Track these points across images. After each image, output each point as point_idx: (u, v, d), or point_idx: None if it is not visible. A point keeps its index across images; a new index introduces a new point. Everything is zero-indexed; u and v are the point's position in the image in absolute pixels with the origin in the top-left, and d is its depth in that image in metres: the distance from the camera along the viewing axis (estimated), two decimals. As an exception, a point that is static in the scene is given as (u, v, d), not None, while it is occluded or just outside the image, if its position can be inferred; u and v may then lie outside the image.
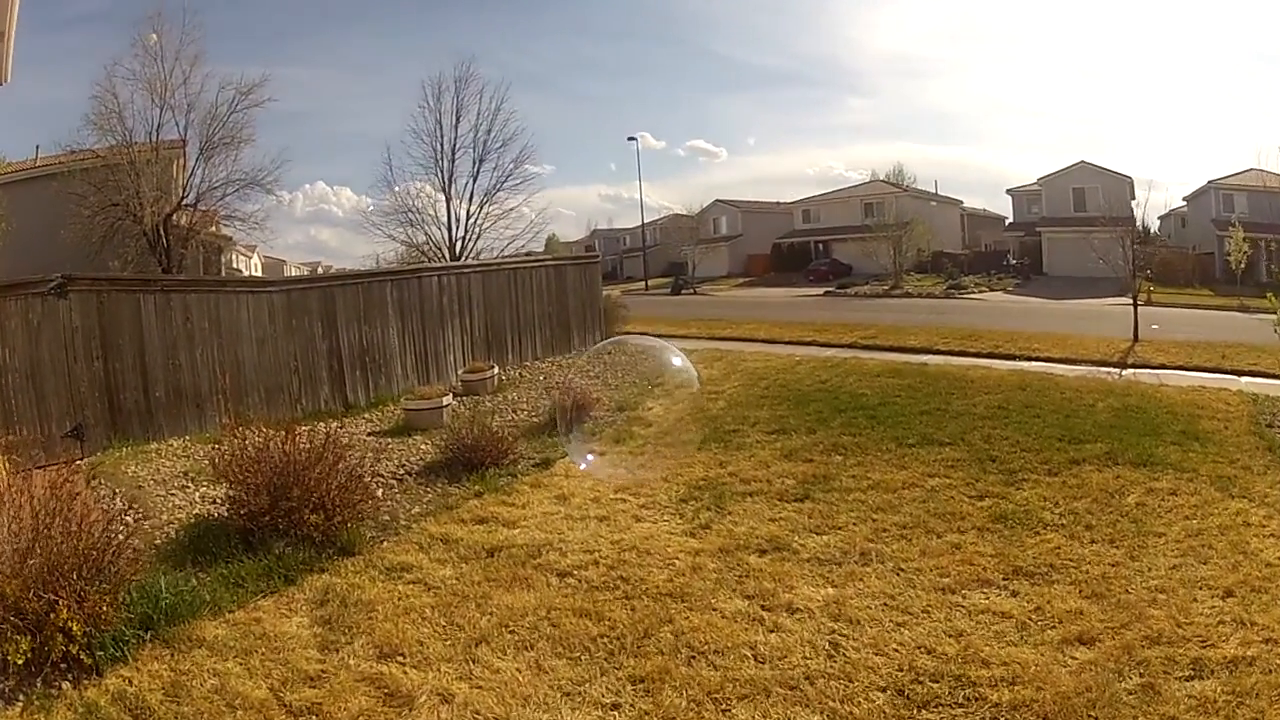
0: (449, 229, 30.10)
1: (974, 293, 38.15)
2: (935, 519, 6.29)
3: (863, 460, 8.00)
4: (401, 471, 8.32)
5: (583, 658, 4.49)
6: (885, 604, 4.86)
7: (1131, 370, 14.09)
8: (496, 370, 12.79)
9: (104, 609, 4.45)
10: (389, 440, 9.58)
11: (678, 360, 5.97)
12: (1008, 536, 5.82)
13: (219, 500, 6.70)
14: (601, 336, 16.89)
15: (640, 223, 58.62)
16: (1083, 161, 46.30)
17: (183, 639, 4.70)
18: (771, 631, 4.67)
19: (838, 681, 4.08)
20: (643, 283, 51.36)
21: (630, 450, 8.71)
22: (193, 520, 6.61)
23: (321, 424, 8.35)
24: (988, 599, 4.83)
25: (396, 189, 31.03)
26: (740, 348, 17.62)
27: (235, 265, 36.04)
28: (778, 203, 62.47)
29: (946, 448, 8.25)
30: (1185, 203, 45.98)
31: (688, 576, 5.55)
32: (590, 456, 5.73)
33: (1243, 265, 31.34)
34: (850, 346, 17.89)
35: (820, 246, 55.66)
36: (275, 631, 4.87)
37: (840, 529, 6.20)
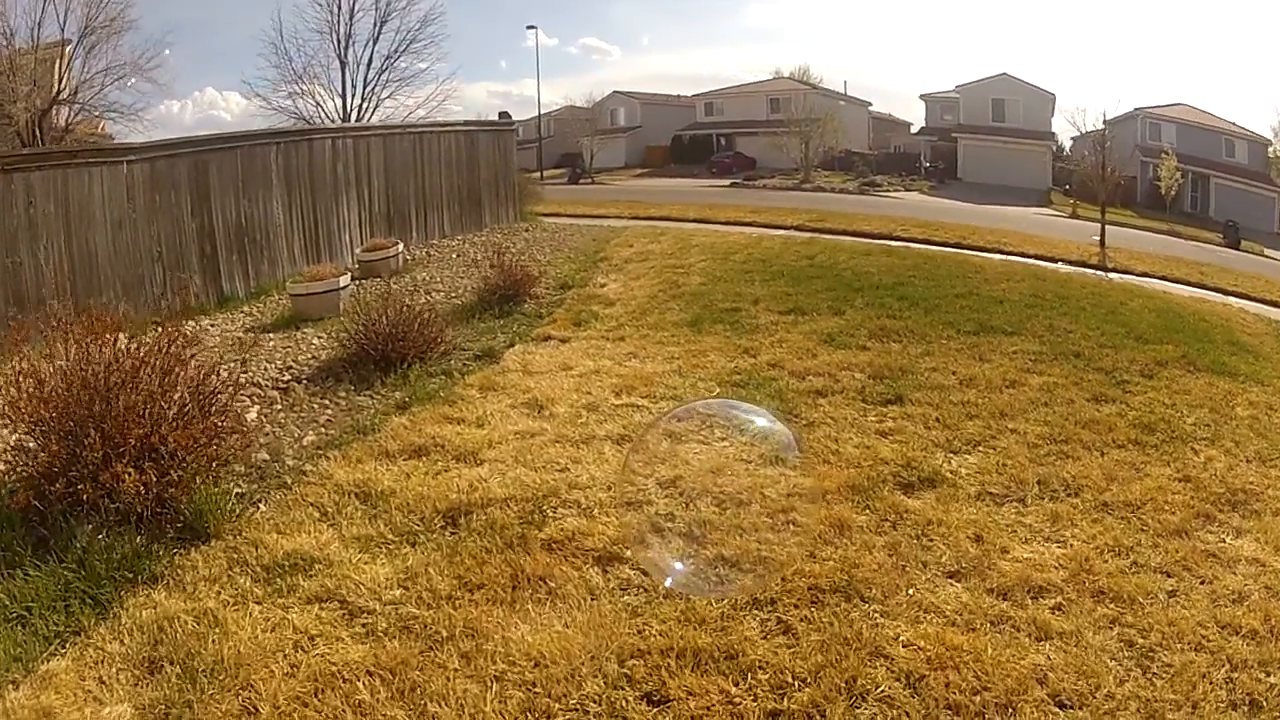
0: (343, 98, 26.12)
1: (889, 192, 36.88)
2: (1081, 429, 4.87)
3: (929, 350, 6.45)
4: (287, 377, 5.67)
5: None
6: (1132, 563, 3.40)
7: (1117, 275, 13.80)
8: (401, 248, 10.56)
9: None
10: (270, 336, 7.04)
11: (761, 420, 3.30)
12: (1170, 453, 4.62)
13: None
14: (516, 213, 15.37)
15: (536, 113, 54.77)
16: (1005, 74, 45.60)
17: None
18: (1040, 639, 2.82)
19: (1186, 712, 2.56)
20: (537, 173, 48.47)
21: (604, 334, 6.95)
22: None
23: (192, 323, 6.00)
24: (1223, 541, 3.67)
25: (289, 63, 27.08)
26: (677, 226, 15.86)
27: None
28: (679, 95, 59.75)
29: (1015, 338, 6.92)
30: (1106, 126, 46.97)
31: (837, 544, 3.30)
32: (678, 565, 3.08)
33: (1173, 192, 31.93)
34: (798, 229, 16.43)
35: (723, 140, 53.84)
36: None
37: (981, 445, 4.59)
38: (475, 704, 2.42)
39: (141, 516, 3.36)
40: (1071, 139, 50.55)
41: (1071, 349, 6.60)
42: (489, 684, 2.52)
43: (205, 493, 3.47)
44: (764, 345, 6.41)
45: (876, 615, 2.83)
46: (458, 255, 11.33)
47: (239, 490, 3.79)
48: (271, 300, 9.03)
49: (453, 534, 3.47)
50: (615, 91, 59.01)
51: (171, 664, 2.61)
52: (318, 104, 26.03)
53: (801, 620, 2.78)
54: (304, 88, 25.79)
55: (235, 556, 3.24)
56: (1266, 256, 24.74)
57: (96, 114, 23.48)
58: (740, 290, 8.46)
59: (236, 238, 9.64)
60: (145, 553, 3.21)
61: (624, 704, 2.42)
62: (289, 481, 3.95)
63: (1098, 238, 18.58)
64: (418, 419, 4.80)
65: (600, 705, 2.42)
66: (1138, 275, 13.92)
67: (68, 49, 21.99)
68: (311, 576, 3.12)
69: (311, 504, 3.70)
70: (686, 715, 2.35)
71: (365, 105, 26.03)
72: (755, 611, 2.83)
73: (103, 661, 2.66)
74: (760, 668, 2.54)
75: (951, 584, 3.06)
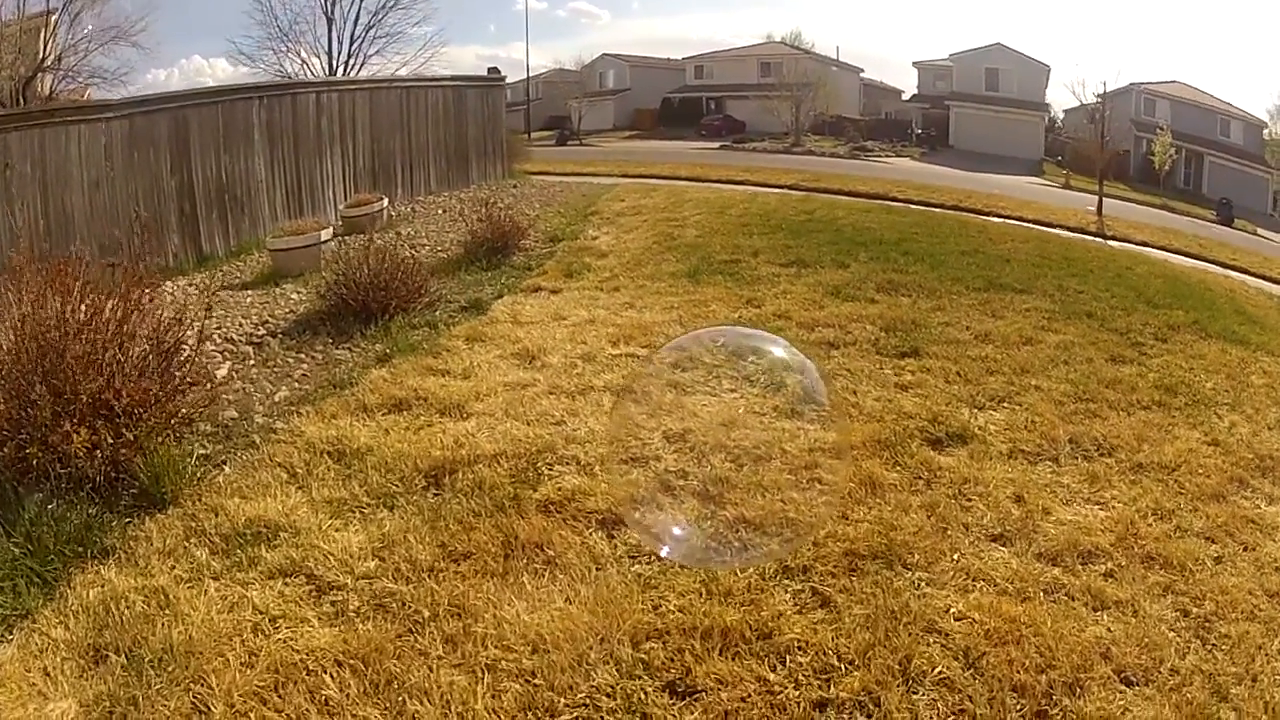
0: (329, 55, 26.05)
1: (881, 157, 36.26)
2: (1104, 388, 4.72)
3: (939, 304, 6.25)
4: (262, 332, 5.33)
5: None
6: (1176, 527, 3.22)
7: (1117, 242, 13.86)
8: (386, 203, 10.16)
9: None
10: (248, 293, 6.70)
11: (778, 350, 2.83)
12: (1195, 417, 4.53)
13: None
14: (504, 170, 14.90)
15: (525, 76, 54.09)
16: (999, 43, 45.31)
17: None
18: (1097, 609, 2.58)
19: (1247, 686, 2.36)
20: (525, 134, 47.91)
21: (598, 285, 6.70)
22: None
23: (169, 284, 5.95)
24: (1257, 506, 3.53)
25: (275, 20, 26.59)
26: (668, 184, 15.44)
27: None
28: (668, 58, 58.77)
29: (1025, 296, 6.77)
30: (1103, 98, 47.07)
31: (870, 504, 3.04)
32: (677, 530, 2.64)
33: (1167, 168, 32.02)
34: (792, 188, 16.06)
35: (712, 103, 53.05)
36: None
37: (1005, 401, 4.40)
38: (463, 699, 2.07)
39: (95, 482, 3.03)
40: (1065, 111, 50.76)
41: (1084, 309, 6.45)
42: (479, 675, 2.16)
43: (164, 454, 3.12)
44: (768, 296, 6.14)
45: (923, 584, 2.55)
46: (444, 211, 10.94)
47: (203, 451, 3.46)
48: (252, 259, 8.67)
49: (435, 495, 3.14)
50: (604, 54, 57.95)
51: (117, 653, 2.27)
52: (303, 62, 25.81)
53: (840, 591, 2.48)
54: (290, 46, 25.61)
55: (193, 525, 2.90)
56: (1259, 235, 24.93)
57: (81, 80, 23.23)
58: (739, 243, 8.17)
59: (217, 195, 9.28)
60: (97, 523, 2.88)
61: (643, 696, 2.07)
62: (257, 441, 3.61)
63: (1094, 207, 18.66)
64: (399, 371, 4.48)
65: (614, 699, 2.07)
66: (1137, 244, 13.94)
67: (53, 18, 21.65)
68: (275, 547, 2.76)
69: (279, 464, 3.36)
70: (719, 709, 2.01)
71: (352, 63, 25.77)
72: (786, 582, 2.52)
73: (48, 650, 2.34)
74: (799, 648, 2.23)
75: (998, 548, 2.81)
